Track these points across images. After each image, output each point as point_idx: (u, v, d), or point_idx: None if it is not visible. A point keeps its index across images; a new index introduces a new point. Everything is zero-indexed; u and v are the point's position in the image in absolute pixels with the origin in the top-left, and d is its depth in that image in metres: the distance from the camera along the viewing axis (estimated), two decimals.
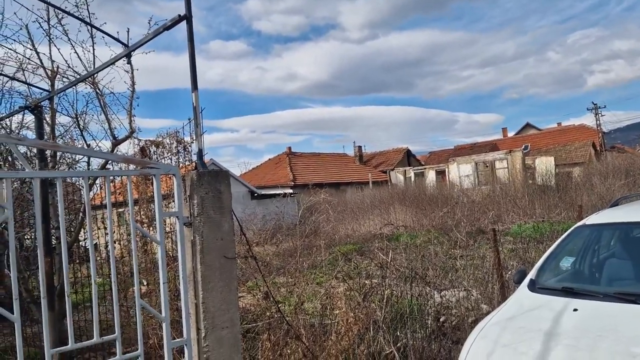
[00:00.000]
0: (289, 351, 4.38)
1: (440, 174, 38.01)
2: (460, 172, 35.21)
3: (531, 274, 4.64)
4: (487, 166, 34.48)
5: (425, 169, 41.08)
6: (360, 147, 49.01)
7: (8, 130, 6.64)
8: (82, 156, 6.68)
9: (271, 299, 4.32)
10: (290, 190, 31.50)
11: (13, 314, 2.82)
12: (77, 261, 8.04)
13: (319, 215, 21.33)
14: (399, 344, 5.60)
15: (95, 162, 6.61)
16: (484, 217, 17.68)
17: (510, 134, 58.14)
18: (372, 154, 51.68)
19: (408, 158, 50.10)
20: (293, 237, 17.59)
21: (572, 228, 5.19)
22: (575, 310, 3.80)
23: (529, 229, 13.38)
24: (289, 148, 42.85)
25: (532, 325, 3.77)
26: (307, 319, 4.89)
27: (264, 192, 30.47)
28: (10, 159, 5.97)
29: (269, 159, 43.34)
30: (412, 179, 39.42)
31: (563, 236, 5.08)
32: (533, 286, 4.45)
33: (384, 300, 5.96)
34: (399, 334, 5.84)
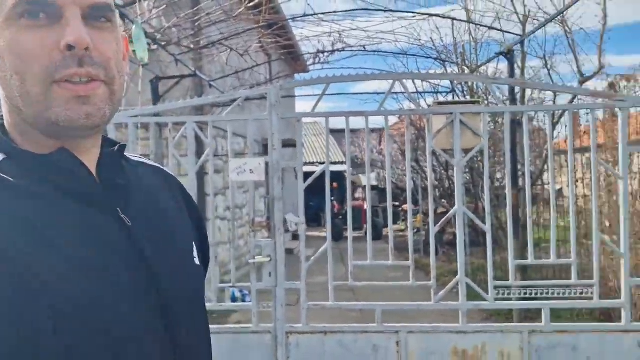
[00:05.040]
0: None
1: None
2: None
3: None
4: None
5: None
6: None
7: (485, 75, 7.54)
8: (547, 97, 6.92)
9: None
10: None
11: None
12: (542, 204, 8.48)
13: None
14: None
15: (560, 102, 6.71)
16: None
17: None
18: None
19: None
20: None
21: None
22: None
23: None
24: None
25: None
26: None
27: None
28: (485, 99, 6.81)
29: None
30: None
31: None
32: None
33: None
34: None
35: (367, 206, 3.71)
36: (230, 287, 3.75)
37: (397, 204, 19.30)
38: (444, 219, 3.57)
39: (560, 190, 9.27)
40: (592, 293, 3.37)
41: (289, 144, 6.09)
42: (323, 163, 3.50)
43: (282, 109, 3.53)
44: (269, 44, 7.64)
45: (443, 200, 11.07)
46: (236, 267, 3.73)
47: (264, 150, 5.54)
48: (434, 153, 3.79)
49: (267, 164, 3.52)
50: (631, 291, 3.38)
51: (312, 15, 6.33)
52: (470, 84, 7.80)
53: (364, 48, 7.05)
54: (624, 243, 3.33)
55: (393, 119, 8.82)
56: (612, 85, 5.28)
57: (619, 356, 3.30)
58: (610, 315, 4.96)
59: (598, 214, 3.50)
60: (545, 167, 6.87)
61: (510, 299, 3.86)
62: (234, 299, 5.98)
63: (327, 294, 3.50)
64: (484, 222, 3.55)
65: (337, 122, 3.62)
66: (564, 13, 5.80)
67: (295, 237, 14.16)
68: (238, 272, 4.07)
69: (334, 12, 6.36)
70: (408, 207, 3.88)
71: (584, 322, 4.96)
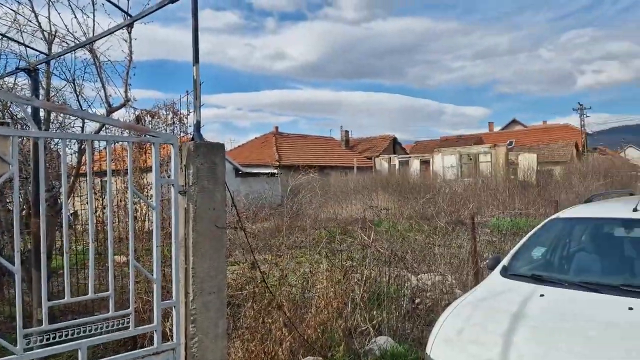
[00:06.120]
0: (270, 320, 4.59)
1: (425, 163, 38.44)
2: (445, 162, 35.68)
3: (504, 261, 4.89)
4: (470, 159, 34.97)
5: (410, 157, 41.48)
6: (347, 131, 49.16)
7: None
8: (73, 121, 6.74)
9: (257, 268, 4.50)
10: (275, 171, 31.62)
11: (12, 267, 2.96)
12: (59, 227, 8.11)
13: (303, 197, 21.52)
14: (374, 322, 5.85)
15: (87, 129, 6.66)
16: (464, 208, 18.06)
17: (497, 128, 58.75)
18: (358, 139, 51.90)
19: (394, 146, 50.45)
20: (275, 217, 17.74)
21: (545, 220, 5.46)
22: (542, 295, 4.06)
23: (507, 223, 13.77)
24: (276, 128, 42.84)
25: (501, 306, 4.03)
26: (290, 291, 5.11)
27: (248, 170, 30.52)
28: (9, 118, 6.00)
29: (256, 138, 43.28)
30: (397, 166, 39.81)
31: (537, 227, 5.34)
32: (505, 272, 4.70)
33: (363, 280, 6.19)
34: (375, 312, 6.09)
35: None
36: None
37: None
38: None
39: (76, 212, 9.13)
40: (128, 322, 3.44)
41: None
42: None
43: None
44: None
45: None
46: None
47: None
48: None
49: None
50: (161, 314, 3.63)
51: None
52: None
53: None
54: (157, 269, 3.56)
55: None
56: (138, 119, 5.64)
57: None
58: (135, 340, 5.18)
59: (117, 240, 3.62)
60: (74, 190, 6.64)
61: (31, 349, 3.40)
62: None
63: None
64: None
65: None
66: (93, 43, 5.82)
67: None
68: None
69: None
70: None
71: (110, 352, 4.98)
